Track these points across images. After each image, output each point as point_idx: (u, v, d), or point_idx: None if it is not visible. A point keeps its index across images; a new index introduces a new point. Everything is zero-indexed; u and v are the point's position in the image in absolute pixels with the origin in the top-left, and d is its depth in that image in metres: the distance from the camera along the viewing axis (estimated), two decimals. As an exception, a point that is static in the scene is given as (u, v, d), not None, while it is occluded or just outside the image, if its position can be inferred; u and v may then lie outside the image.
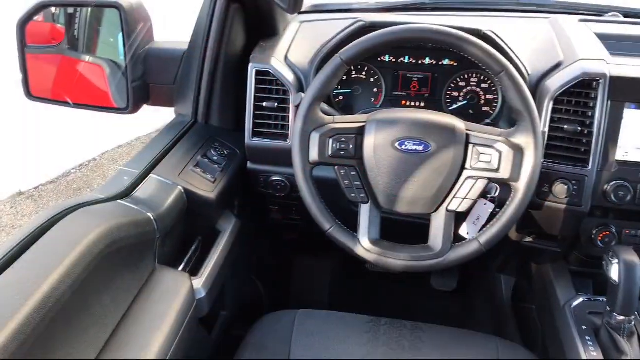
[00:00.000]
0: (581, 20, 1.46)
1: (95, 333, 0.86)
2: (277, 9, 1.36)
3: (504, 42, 1.26)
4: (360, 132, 1.11)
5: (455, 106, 1.42)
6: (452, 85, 1.41)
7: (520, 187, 1.06)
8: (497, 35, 1.26)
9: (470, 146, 1.09)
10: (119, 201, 1.04)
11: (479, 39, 1.14)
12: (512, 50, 1.26)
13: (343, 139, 1.11)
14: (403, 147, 1.09)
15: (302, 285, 1.90)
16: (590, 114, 1.18)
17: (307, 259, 1.92)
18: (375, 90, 1.44)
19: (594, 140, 1.18)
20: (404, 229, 1.23)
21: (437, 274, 1.90)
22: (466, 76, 1.40)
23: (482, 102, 1.41)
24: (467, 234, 1.20)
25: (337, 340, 1.20)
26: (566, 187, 1.20)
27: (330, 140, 1.10)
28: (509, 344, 1.20)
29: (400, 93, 1.43)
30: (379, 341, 1.20)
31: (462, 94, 1.41)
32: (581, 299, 1.23)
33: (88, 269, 0.82)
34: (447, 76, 1.41)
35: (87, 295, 0.84)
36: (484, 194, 1.22)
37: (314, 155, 1.11)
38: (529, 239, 1.38)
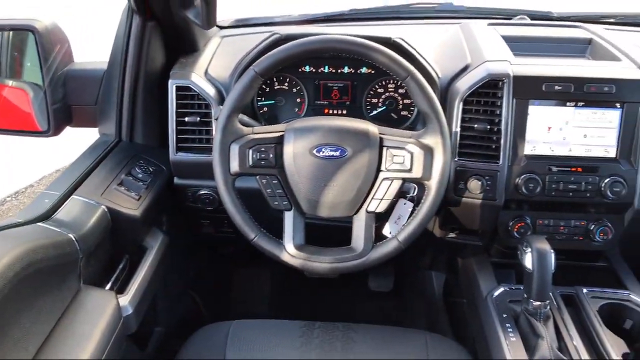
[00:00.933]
0: (490, 24, 1.54)
1: (15, 357, 0.85)
2: (195, 25, 1.38)
3: (413, 49, 1.32)
4: (279, 142, 1.14)
5: (375, 112, 1.47)
6: (371, 92, 1.46)
7: (433, 185, 1.11)
8: (406, 42, 1.32)
9: (384, 149, 1.13)
10: (38, 224, 1.03)
11: (389, 46, 1.19)
12: (421, 56, 1.32)
13: (263, 149, 1.13)
14: (321, 153, 1.12)
15: (243, 296, 1.91)
16: (498, 112, 1.25)
17: (247, 270, 1.93)
18: (298, 100, 1.47)
19: (502, 137, 1.24)
20: (329, 233, 1.26)
21: (373, 276, 1.95)
22: (383, 83, 1.45)
23: (401, 106, 1.46)
24: (390, 233, 1.25)
25: (271, 347, 1.22)
26: (480, 182, 1.26)
27: (250, 151, 1.13)
28: (437, 337, 1.25)
29: (322, 102, 1.47)
30: (312, 344, 1.23)
31: (381, 100, 1.46)
32: (502, 289, 1.29)
33: (2, 292, 0.81)
34: (365, 84, 1.46)
35: (4, 319, 0.83)
36: (402, 194, 1.28)
37: (234, 166, 1.13)
38: (452, 235, 1.44)
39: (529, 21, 1.64)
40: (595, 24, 1.64)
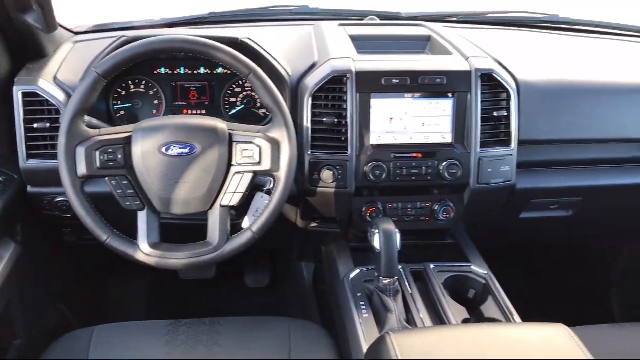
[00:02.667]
0: (341, 25, 1.63)
1: None
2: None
3: (262, 48, 1.38)
4: (127, 142, 1.15)
5: (234, 111, 1.51)
6: (229, 92, 1.50)
7: (282, 176, 1.17)
8: (254, 42, 1.37)
9: (234, 144, 1.17)
10: None
11: (237, 46, 1.24)
12: (270, 55, 1.38)
13: (110, 150, 1.14)
14: (170, 151, 1.15)
15: (119, 304, 1.88)
16: (344, 106, 1.33)
17: (122, 277, 1.90)
18: (155, 102, 1.48)
19: (349, 129, 1.33)
20: (191, 231, 1.29)
21: (249, 273, 1.99)
22: (240, 82, 1.50)
23: (259, 104, 1.51)
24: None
25: (135, 349, 1.23)
26: (332, 172, 1.33)
27: (97, 153, 1.13)
28: (300, 322, 1.31)
29: (180, 103, 1.49)
30: (178, 341, 1.25)
31: (239, 99, 1.51)
32: (358, 270, 1.37)
33: None
34: (223, 83, 1.50)
35: None
36: (259, 187, 1.32)
37: (81, 169, 1.13)
38: (314, 225, 1.51)
39: (378, 21, 1.75)
40: (440, 22, 1.78)
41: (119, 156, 1.14)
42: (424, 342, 0.98)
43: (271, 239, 1.74)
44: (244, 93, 1.50)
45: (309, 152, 1.34)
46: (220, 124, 1.17)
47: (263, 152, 1.17)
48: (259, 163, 1.17)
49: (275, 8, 1.82)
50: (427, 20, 1.76)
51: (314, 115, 1.34)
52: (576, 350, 0.96)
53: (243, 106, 1.51)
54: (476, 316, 1.30)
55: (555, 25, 1.83)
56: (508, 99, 1.37)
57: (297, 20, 1.77)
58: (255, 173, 1.18)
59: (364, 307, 1.26)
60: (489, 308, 1.29)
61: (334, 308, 1.36)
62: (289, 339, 1.25)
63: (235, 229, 1.24)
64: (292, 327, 1.28)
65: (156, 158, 1.14)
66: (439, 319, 1.25)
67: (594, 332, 1.31)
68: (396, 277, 1.24)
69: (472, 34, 1.67)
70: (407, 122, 1.36)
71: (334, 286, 1.40)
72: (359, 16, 1.80)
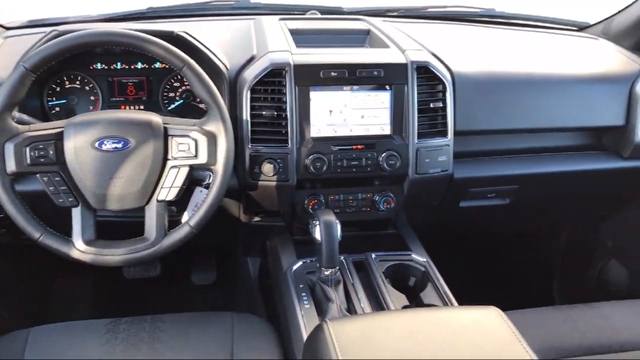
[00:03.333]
0: (281, 19, 1.64)
1: None
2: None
3: (198, 41, 1.37)
4: (59, 138, 1.13)
5: (173, 106, 1.50)
6: (167, 87, 1.49)
7: (219, 169, 1.17)
8: (190, 36, 1.36)
9: (170, 138, 1.16)
10: None
11: (172, 40, 1.22)
12: (207, 48, 1.37)
13: (41, 146, 1.11)
14: (103, 146, 1.13)
15: (62, 305, 1.84)
16: (283, 99, 1.33)
17: (66, 276, 1.86)
18: (92, 98, 1.46)
19: (289, 122, 1.33)
20: (129, 228, 1.27)
21: (196, 270, 1.98)
22: (179, 77, 1.48)
23: (198, 99, 1.50)
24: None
25: (73, 349, 1.20)
26: (272, 165, 1.34)
27: (27, 149, 1.10)
28: (243, 316, 1.31)
29: (118, 98, 1.47)
30: (117, 340, 1.23)
31: (178, 93, 1.49)
32: (301, 262, 1.38)
33: None
34: (161, 78, 1.48)
35: None
36: (198, 182, 1.32)
37: (11, 166, 1.10)
38: (257, 219, 1.51)
39: (319, 15, 1.77)
40: (381, 17, 1.81)
41: (51, 152, 1.11)
42: (360, 328, 0.99)
43: (216, 235, 1.75)
44: (183, 87, 1.49)
45: (249, 146, 1.34)
46: (155, 118, 1.16)
47: (199, 146, 1.16)
48: (195, 156, 1.16)
49: (216, 3, 1.82)
50: (369, 15, 1.79)
51: (253, 108, 1.33)
52: (506, 330, 0.99)
53: (182, 101, 1.50)
54: (416, 303, 1.33)
55: (492, 19, 1.88)
56: (444, 91, 1.41)
57: (238, 15, 1.76)
58: (192, 167, 1.17)
59: (305, 298, 1.27)
60: (428, 294, 1.32)
61: (277, 301, 1.37)
62: (231, 333, 1.25)
63: (176, 224, 1.23)
64: (235, 321, 1.28)
65: (89, 153, 1.12)
66: (379, 306, 1.27)
67: (528, 315, 1.36)
68: (337, 268, 1.26)
69: (411, 28, 1.70)
70: (346, 115, 1.38)
71: (277, 279, 1.40)
72: (301, 11, 1.81)
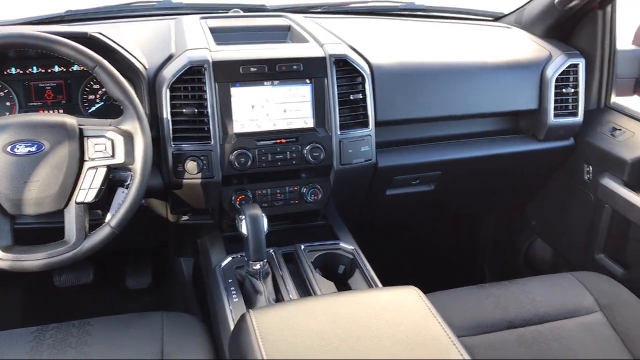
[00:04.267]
0: (202, 18, 1.64)
1: None
2: None
3: (114, 42, 1.36)
4: None
5: (93, 108, 1.48)
6: (87, 89, 1.47)
7: (137, 168, 1.17)
8: (105, 37, 1.35)
9: (85, 139, 1.15)
10: None
11: (86, 41, 1.21)
12: (123, 48, 1.36)
13: None
14: (16, 150, 1.10)
15: None
16: (204, 96, 1.34)
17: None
18: (7, 103, 1.42)
19: (210, 119, 1.34)
20: (51, 233, 1.25)
21: (130, 275, 1.95)
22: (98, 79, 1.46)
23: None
24: (110, 222, 1.27)
25: (-3, 359, 1.18)
26: (196, 163, 1.34)
27: None
28: (173, 315, 1.31)
29: (36, 103, 1.44)
30: (44, 346, 1.21)
31: (97, 95, 1.48)
32: (230, 258, 1.39)
33: None
34: (79, 81, 1.46)
35: None
36: (120, 183, 1.30)
37: None
38: (185, 218, 1.51)
39: (242, 13, 1.78)
40: (304, 13, 1.84)
41: None
42: (282, 315, 1.01)
43: (146, 237, 1.73)
44: (103, 89, 1.48)
45: (172, 144, 1.34)
46: (69, 119, 1.15)
47: (116, 145, 1.15)
48: (113, 156, 1.15)
49: (137, 4, 1.80)
50: (292, 12, 1.81)
51: (173, 107, 1.34)
52: (422, 307, 1.03)
53: (102, 103, 1.48)
54: (346, 289, 1.36)
55: (411, 13, 1.94)
56: (363, 83, 1.44)
57: (160, 15, 1.75)
58: (109, 167, 1.16)
59: (234, 293, 1.28)
60: (355, 281, 1.36)
61: (209, 298, 1.37)
62: (161, 333, 1.25)
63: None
64: (166, 321, 1.28)
65: (2, 158, 1.10)
66: (307, 295, 1.29)
67: (453, 294, 1.42)
68: (265, 260, 1.27)
69: (332, 23, 1.73)
70: (268, 109, 1.40)
71: (207, 277, 1.41)
72: (224, 9, 1.81)
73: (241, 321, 1.01)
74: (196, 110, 1.34)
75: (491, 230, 2.14)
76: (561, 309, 1.36)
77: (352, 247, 1.44)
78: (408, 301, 1.05)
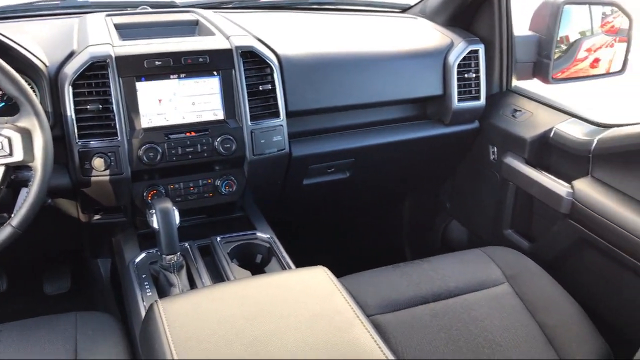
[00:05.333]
0: (108, 15, 1.62)
1: None
2: None
3: (11, 40, 1.32)
4: None
5: None
6: None
7: (38, 165, 1.14)
8: (4, 36, 1.31)
9: None
10: None
11: None
12: (20, 46, 1.33)
13: None
14: None
15: None
16: (109, 92, 1.32)
17: None
18: None
19: (116, 115, 1.32)
20: None
21: (47, 280, 1.90)
22: (-3, 78, 1.42)
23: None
24: (15, 223, 1.24)
25: None
26: (103, 159, 1.32)
27: None
28: (87, 314, 1.28)
29: None
30: None
31: None
32: (144, 254, 1.38)
33: None
34: None
35: None
36: (23, 182, 1.27)
37: None
38: (97, 217, 1.49)
39: (149, 10, 1.76)
40: (215, 9, 1.84)
41: None
42: (190, 302, 1.02)
43: (60, 239, 1.69)
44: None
45: (77, 142, 1.31)
46: None
47: (13, 143, 1.13)
48: (10, 155, 1.13)
49: (41, 3, 1.75)
50: (203, 8, 1.81)
51: (77, 103, 1.31)
52: (329, 286, 1.06)
53: (4, 103, 1.43)
54: None
55: (321, 6, 1.98)
56: (271, 73, 1.46)
57: (65, 14, 1.71)
58: (8, 165, 1.13)
59: (148, 288, 1.27)
60: (272, 268, 1.38)
61: (124, 295, 1.36)
62: (75, 333, 1.22)
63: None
64: (79, 322, 1.25)
65: None
66: None
67: (368, 275, 1.46)
68: (179, 253, 1.27)
69: (242, 17, 1.75)
70: (176, 103, 1.39)
71: (122, 274, 1.39)
72: (132, 7, 1.79)
73: (149, 312, 1.01)
74: (101, 107, 1.32)
75: (409, 213, 2.21)
76: (470, 283, 1.43)
77: (269, 236, 1.46)
78: (315, 281, 1.08)
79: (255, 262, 1.44)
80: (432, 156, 1.88)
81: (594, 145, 1.48)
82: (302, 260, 1.38)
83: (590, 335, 1.31)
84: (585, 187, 1.48)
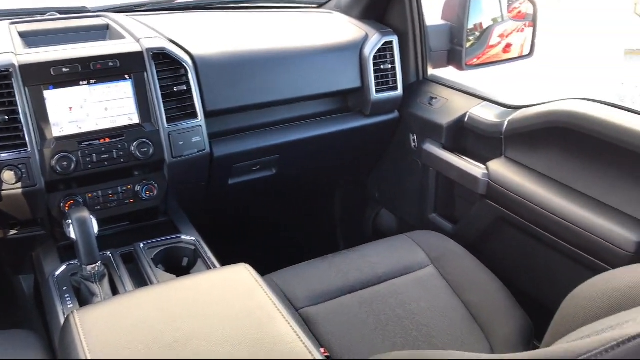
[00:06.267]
0: (12, 23, 1.56)
1: None
2: None
3: None
4: None
5: None
6: None
7: None
8: None
9: None
10: None
11: None
12: None
13: None
14: None
15: None
16: (14, 102, 1.28)
17: None
18: None
19: (24, 126, 1.28)
20: None
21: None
22: None
23: None
24: None
25: None
26: (13, 172, 1.28)
27: None
28: (7, 332, 1.24)
29: None
30: None
31: None
32: (64, 266, 1.34)
33: None
34: None
35: None
36: None
37: None
38: (14, 232, 1.44)
39: (58, 16, 1.71)
40: (129, 12, 1.80)
41: None
42: (108, 309, 1.00)
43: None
44: None
45: None
46: None
47: None
48: None
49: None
50: (115, 12, 1.77)
51: None
52: (250, 282, 1.06)
53: None
54: None
55: (238, 5, 1.97)
56: (186, 74, 1.45)
57: None
58: None
59: (69, 300, 1.24)
60: (198, 270, 1.37)
61: (45, 310, 1.32)
62: None
63: None
64: None
65: None
66: None
67: (297, 269, 1.47)
68: (99, 262, 1.25)
69: (155, 20, 1.72)
70: (88, 110, 1.36)
71: (43, 289, 1.35)
72: (39, 14, 1.73)
73: (65, 323, 0.98)
74: (7, 118, 1.28)
75: (340, 205, 2.24)
76: (396, 268, 1.47)
77: (194, 239, 1.45)
78: (237, 278, 1.08)
79: (181, 266, 1.43)
80: (356, 148, 1.91)
81: (505, 126, 1.54)
82: (233, 260, 1.37)
83: (512, 309, 1.37)
84: (498, 168, 1.54)
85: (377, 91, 1.75)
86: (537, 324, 1.34)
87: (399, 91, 1.79)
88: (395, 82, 1.78)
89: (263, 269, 1.46)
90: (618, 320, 0.67)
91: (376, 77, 1.74)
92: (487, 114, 1.63)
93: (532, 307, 1.40)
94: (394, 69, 1.77)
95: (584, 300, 0.95)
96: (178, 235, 1.46)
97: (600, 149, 1.33)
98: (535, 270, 1.53)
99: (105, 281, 1.26)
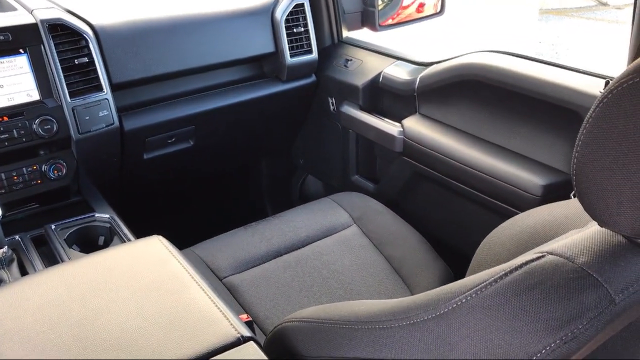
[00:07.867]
0: None
1: None
2: None
3: None
4: None
5: None
6: None
7: None
8: None
9: None
10: None
11: None
12: None
13: None
14: None
15: None
16: None
17: None
18: None
19: None
20: None
21: None
22: None
23: None
24: None
25: None
26: None
27: None
28: None
29: None
30: None
31: None
32: None
33: None
34: None
35: None
36: None
37: None
38: None
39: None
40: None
41: None
42: (10, 292, 0.95)
43: None
44: None
45: None
46: None
47: None
48: None
49: None
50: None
51: None
52: (163, 252, 1.04)
53: None
54: None
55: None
56: (87, 45, 1.38)
57: None
58: None
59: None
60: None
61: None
62: None
63: None
64: None
65: None
66: None
67: (221, 239, 1.45)
68: (6, 247, 1.19)
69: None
70: (-21, 87, 1.28)
71: None
72: None
73: (-35, 311, 0.93)
74: None
75: (266, 174, 2.22)
76: (320, 230, 1.47)
77: (108, 216, 1.40)
78: (149, 250, 1.05)
79: (98, 245, 1.38)
80: (276, 115, 1.89)
81: (417, 83, 1.56)
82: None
83: (432, 260, 1.40)
84: (413, 124, 1.56)
85: (292, 55, 1.72)
86: (456, 272, 1.38)
87: (314, 55, 1.77)
88: (309, 45, 1.76)
89: (190, 243, 1.44)
90: (523, 259, 0.70)
91: (290, 41, 1.71)
92: (400, 72, 1.64)
93: (451, 257, 1.45)
94: (307, 32, 1.75)
95: (495, 245, 0.99)
96: (92, 214, 1.41)
97: (507, 98, 1.37)
98: (453, 221, 1.57)
99: (14, 266, 1.20)
